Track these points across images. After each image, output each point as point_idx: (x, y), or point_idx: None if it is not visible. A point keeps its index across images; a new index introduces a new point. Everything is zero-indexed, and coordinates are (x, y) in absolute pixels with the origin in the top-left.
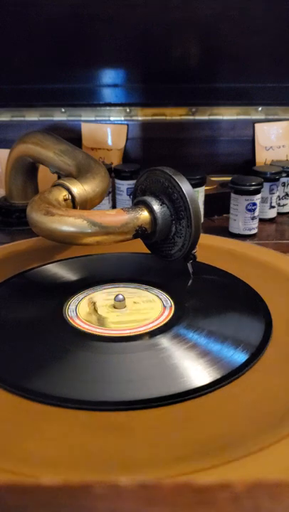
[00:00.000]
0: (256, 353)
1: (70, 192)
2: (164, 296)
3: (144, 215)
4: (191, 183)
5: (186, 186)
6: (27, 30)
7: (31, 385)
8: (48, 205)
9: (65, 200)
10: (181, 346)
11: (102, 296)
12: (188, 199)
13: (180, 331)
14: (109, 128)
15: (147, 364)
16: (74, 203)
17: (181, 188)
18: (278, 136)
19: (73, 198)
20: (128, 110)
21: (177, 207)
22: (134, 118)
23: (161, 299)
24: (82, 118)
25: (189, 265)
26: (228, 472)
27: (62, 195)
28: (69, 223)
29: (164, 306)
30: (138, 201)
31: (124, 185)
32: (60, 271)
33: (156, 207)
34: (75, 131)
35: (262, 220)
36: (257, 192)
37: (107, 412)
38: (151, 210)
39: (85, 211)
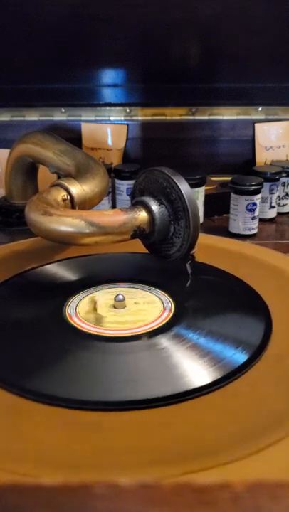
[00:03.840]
0: (256, 353)
1: (68, 192)
2: (164, 296)
3: (143, 215)
4: (190, 183)
5: (184, 186)
6: (27, 30)
7: (31, 385)
8: (46, 205)
9: (64, 200)
10: (181, 346)
11: (102, 296)
12: (186, 199)
13: (180, 331)
14: (109, 128)
15: (147, 364)
16: (72, 203)
17: (179, 189)
18: (278, 136)
19: (72, 198)
20: (128, 110)
21: (176, 207)
22: (134, 118)
23: (161, 299)
24: (82, 118)
25: (188, 266)
26: (228, 472)
27: (60, 195)
28: (67, 223)
29: (164, 306)
30: (136, 201)
31: (124, 185)
32: (60, 271)
33: (155, 207)
34: (75, 131)
35: (262, 220)
36: (257, 192)
37: (107, 413)
38: (149, 211)
39: (84, 211)
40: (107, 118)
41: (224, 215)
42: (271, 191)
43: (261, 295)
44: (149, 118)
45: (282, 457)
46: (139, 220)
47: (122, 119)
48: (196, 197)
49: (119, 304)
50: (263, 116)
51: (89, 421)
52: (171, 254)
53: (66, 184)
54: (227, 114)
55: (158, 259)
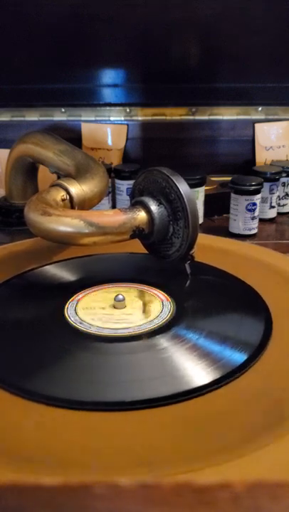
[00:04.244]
0: (256, 353)
1: (68, 192)
2: (164, 296)
3: (142, 215)
4: (190, 183)
5: (183, 187)
6: (27, 30)
7: (31, 385)
8: (45, 205)
9: (63, 200)
10: (181, 346)
11: (102, 296)
12: (185, 199)
13: (180, 331)
14: (109, 128)
15: (147, 364)
16: (72, 203)
17: (178, 189)
18: (278, 136)
19: (71, 198)
20: (128, 110)
21: (175, 207)
22: (134, 118)
23: (160, 299)
24: (82, 118)
25: (187, 266)
26: (228, 472)
27: (60, 195)
28: (66, 223)
29: (164, 307)
30: (135, 201)
31: (124, 185)
32: (60, 271)
33: (154, 207)
34: (75, 131)
35: (262, 220)
36: (257, 192)
37: (107, 413)
38: (148, 211)
39: (83, 211)
40: (107, 118)
41: (224, 215)
42: (271, 191)
43: (261, 295)
44: (149, 118)
45: (282, 457)
46: (138, 220)
47: (122, 119)
48: (196, 197)
49: (119, 303)
50: (263, 116)
51: (89, 421)
52: (171, 255)
53: (65, 184)
54: (227, 114)
55: (157, 260)
